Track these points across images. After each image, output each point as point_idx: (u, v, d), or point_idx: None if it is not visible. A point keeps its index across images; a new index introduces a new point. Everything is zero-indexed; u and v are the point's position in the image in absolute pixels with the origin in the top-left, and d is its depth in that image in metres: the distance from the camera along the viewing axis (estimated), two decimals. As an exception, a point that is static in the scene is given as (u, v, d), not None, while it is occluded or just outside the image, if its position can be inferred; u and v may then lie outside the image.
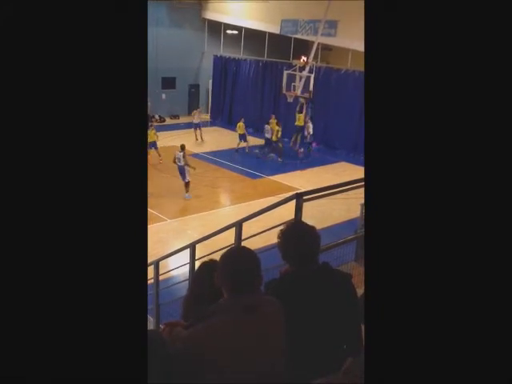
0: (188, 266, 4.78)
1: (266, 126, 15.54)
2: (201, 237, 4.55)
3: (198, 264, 2.72)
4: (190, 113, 21.39)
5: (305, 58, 14.66)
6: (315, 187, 3.45)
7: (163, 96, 20.64)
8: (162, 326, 1.97)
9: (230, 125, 19.30)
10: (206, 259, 2.65)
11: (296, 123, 15.55)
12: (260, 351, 1.63)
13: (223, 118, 20.83)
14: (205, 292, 2.18)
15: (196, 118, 17.10)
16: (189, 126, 17.68)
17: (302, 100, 15.65)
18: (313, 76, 14.81)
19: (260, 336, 1.63)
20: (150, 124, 14.53)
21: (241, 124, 15.94)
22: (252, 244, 2.95)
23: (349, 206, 9.23)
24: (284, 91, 15.51)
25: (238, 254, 1.75)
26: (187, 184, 11.22)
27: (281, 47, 18.49)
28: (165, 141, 15.93)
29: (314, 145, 14.96)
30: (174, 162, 11.24)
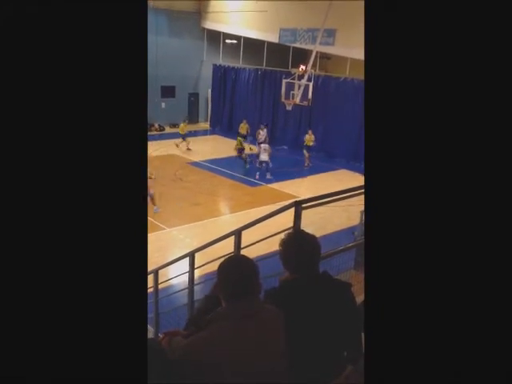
0: (187, 274, 4.77)
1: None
2: (200, 245, 4.55)
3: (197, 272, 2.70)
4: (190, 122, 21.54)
5: (303, 67, 14.72)
6: (314, 194, 3.44)
7: (163, 105, 20.70)
8: (161, 335, 1.95)
9: (230, 133, 19.35)
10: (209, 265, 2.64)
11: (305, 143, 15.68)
12: (259, 357, 1.63)
13: (222, 126, 20.88)
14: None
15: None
16: (188, 134, 17.68)
17: None
18: (312, 84, 14.86)
19: (259, 342, 1.63)
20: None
21: (182, 125, 17.04)
22: (251, 252, 2.94)
23: (349, 214, 9.23)
24: (283, 99, 15.57)
25: (236, 262, 1.75)
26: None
27: (279, 56, 18.59)
28: (163, 150, 15.96)
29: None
30: None
